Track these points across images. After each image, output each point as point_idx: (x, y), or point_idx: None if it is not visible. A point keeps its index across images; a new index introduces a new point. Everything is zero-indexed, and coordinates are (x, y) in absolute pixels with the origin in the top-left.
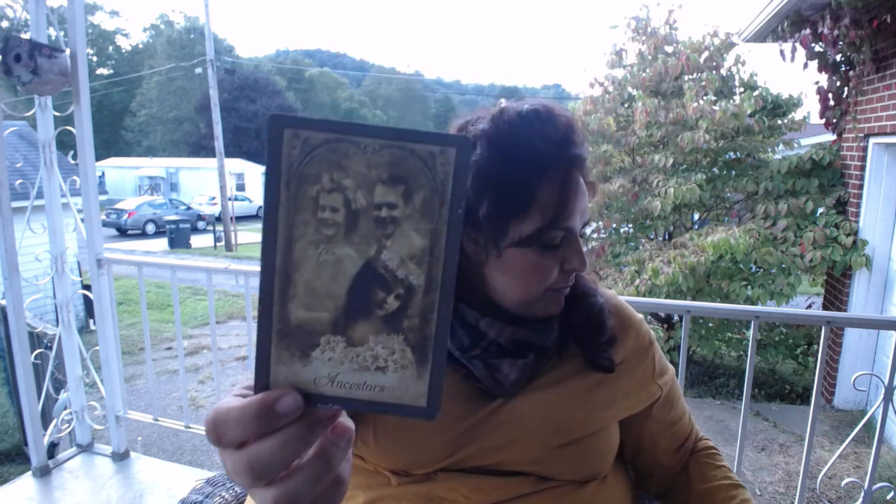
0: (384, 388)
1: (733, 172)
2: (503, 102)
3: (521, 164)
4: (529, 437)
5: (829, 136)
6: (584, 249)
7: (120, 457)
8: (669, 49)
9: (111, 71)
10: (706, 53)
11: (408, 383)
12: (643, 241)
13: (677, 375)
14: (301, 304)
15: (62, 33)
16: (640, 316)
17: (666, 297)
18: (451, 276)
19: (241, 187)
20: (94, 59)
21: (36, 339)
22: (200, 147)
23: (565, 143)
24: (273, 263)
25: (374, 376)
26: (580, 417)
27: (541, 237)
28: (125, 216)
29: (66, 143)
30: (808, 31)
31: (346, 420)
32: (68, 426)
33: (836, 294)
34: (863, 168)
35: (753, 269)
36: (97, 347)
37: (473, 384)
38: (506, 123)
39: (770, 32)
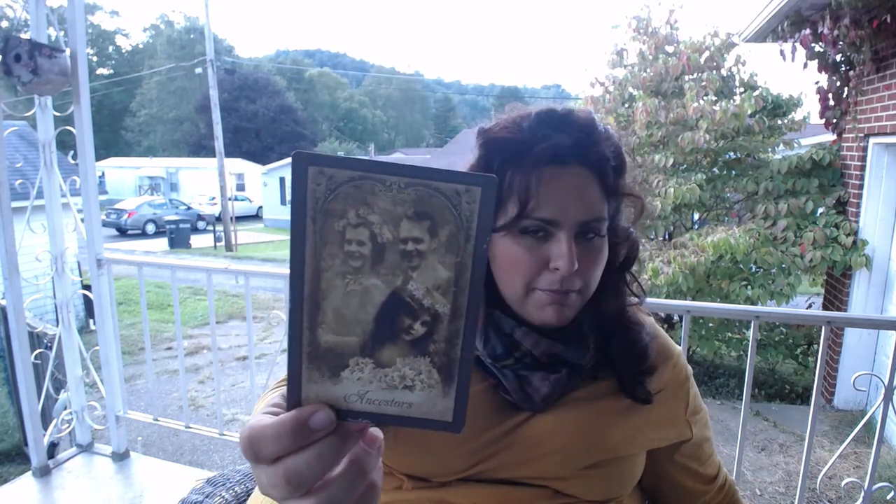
0: (412, 405)
1: (733, 172)
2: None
3: (501, 154)
4: (555, 455)
5: (829, 136)
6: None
7: (120, 457)
8: (670, 49)
9: (111, 71)
10: (707, 53)
11: (434, 400)
12: (643, 241)
13: None
14: (330, 330)
15: (62, 33)
16: (679, 348)
17: (666, 297)
18: (475, 305)
19: (241, 187)
20: (94, 59)
21: (36, 339)
22: (200, 147)
23: (552, 132)
24: (301, 292)
25: (402, 394)
26: (611, 440)
27: (516, 224)
28: (125, 216)
29: (66, 143)
30: (808, 31)
31: (375, 430)
32: (68, 426)
33: (836, 294)
34: (863, 168)
35: (753, 269)
36: (97, 347)
37: (502, 396)
38: (501, 122)
39: (770, 32)
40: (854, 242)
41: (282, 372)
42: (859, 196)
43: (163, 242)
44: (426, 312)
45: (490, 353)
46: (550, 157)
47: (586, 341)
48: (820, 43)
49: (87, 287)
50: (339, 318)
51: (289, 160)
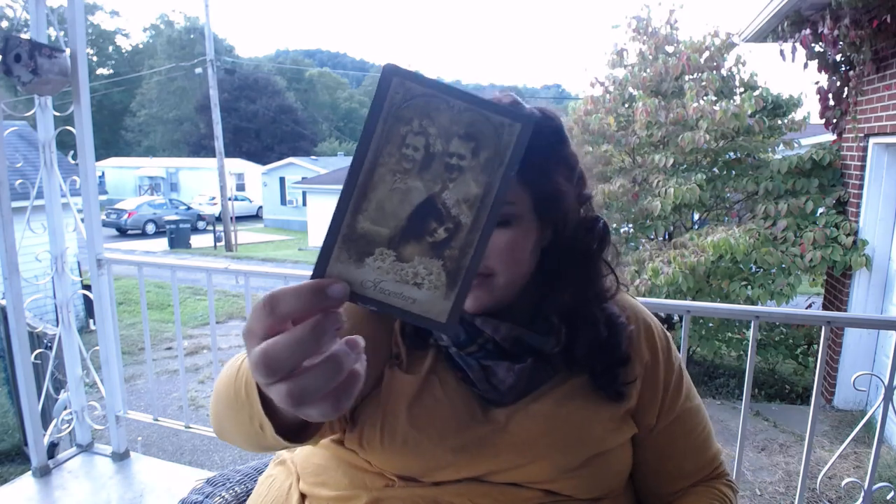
0: (415, 301)
1: (733, 172)
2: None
3: None
4: (542, 461)
5: (829, 136)
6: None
7: (120, 457)
8: (670, 49)
9: (111, 71)
10: (707, 53)
11: (435, 301)
12: (643, 241)
13: None
14: (369, 218)
15: (62, 33)
16: (656, 321)
17: (666, 298)
18: (492, 223)
19: (241, 187)
20: (94, 59)
21: (36, 339)
22: (200, 147)
23: None
24: (356, 180)
25: (411, 290)
26: (594, 436)
27: None
28: (125, 216)
29: (66, 143)
30: (808, 31)
31: (357, 337)
32: (68, 426)
33: (836, 294)
34: (863, 168)
35: (753, 269)
36: (97, 347)
37: (471, 389)
38: None
39: (770, 32)
40: (854, 242)
41: None
42: (859, 196)
43: (163, 242)
44: (451, 220)
45: (454, 340)
46: None
47: (551, 327)
48: (820, 43)
49: (87, 287)
50: (380, 209)
51: (288, 160)
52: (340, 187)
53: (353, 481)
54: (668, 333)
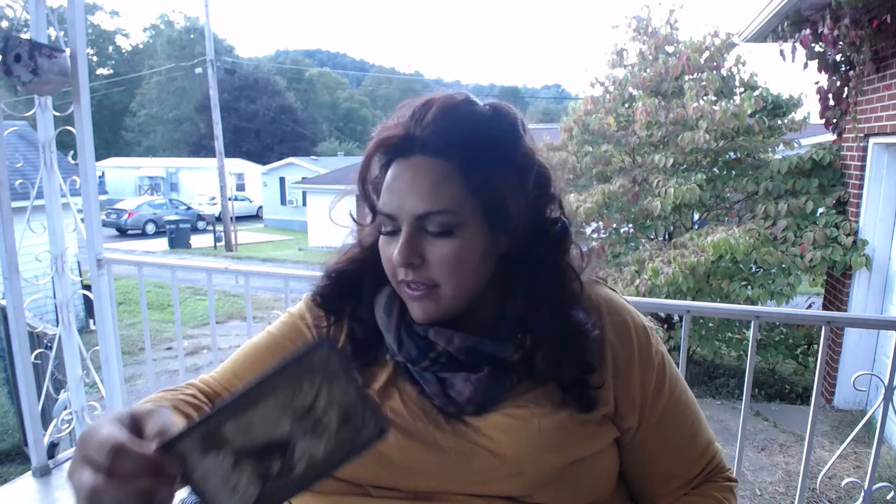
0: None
1: (733, 172)
2: None
3: (375, 153)
4: (516, 476)
5: (829, 136)
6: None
7: None
8: (670, 49)
9: (111, 71)
10: (707, 53)
11: None
12: (643, 241)
13: None
14: (236, 426)
15: (62, 33)
16: (632, 314)
17: (666, 297)
18: (306, 487)
19: (241, 187)
20: (94, 59)
21: (36, 339)
22: (200, 147)
23: (406, 124)
24: (248, 395)
25: (226, 493)
26: (568, 443)
27: (375, 221)
28: (125, 216)
29: (66, 143)
30: (808, 31)
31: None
32: (68, 426)
33: (836, 294)
34: (863, 168)
35: (753, 269)
36: (97, 347)
37: (431, 402)
38: (385, 123)
39: (770, 32)
40: (854, 242)
41: None
42: (859, 196)
43: (163, 242)
44: (288, 464)
45: (406, 356)
46: (395, 151)
47: (510, 334)
48: (820, 43)
49: (87, 287)
50: (249, 426)
51: (288, 160)
52: (341, 187)
53: (330, 491)
54: (650, 328)
